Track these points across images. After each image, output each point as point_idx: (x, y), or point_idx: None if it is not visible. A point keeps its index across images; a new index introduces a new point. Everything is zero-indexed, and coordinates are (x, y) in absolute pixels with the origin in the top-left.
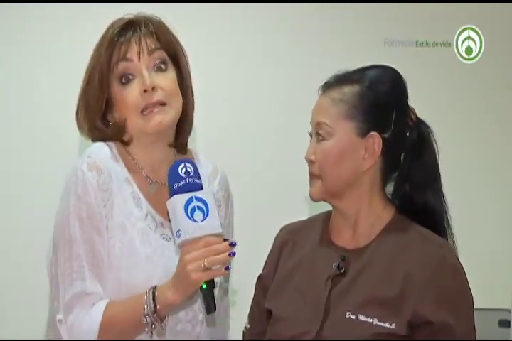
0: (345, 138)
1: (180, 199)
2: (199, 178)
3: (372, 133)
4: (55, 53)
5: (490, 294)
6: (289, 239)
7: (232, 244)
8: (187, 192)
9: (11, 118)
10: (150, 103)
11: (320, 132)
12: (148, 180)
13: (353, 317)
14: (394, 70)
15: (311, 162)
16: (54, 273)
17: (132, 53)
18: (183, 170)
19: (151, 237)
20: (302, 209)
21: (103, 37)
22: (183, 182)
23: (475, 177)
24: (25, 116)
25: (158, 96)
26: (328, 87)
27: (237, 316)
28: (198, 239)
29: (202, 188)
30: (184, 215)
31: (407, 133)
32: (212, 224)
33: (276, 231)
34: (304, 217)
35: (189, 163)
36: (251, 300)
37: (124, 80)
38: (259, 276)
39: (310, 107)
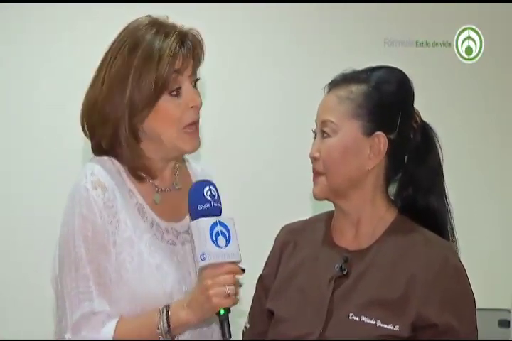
0: (350, 135)
1: (206, 222)
2: (220, 203)
3: (378, 133)
4: (55, 53)
5: (490, 294)
6: (290, 239)
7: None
8: (211, 215)
9: (11, 118)
10: (194, 121)
11: (325, 129)
12: (155, 188)
13: (356, 318)
14: (401, 72)
15: (315, 159)
16: (60, 292)
17: (188, 68)
18: (209, 192)
19: (158, 247)
20: (303, 209)
21: (153, 46)
22: (207, 205)
23: (475, 177)
24: (25, 116)
25: (198, 114)
26: (334, 85)
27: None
28: (219, 265)
29: (221, 214)
30: (209, 239)
31: (412, 136)
32: (233, 251)
33: (277, 231)
34: (305, 217)
35: (213, 185)
36: (251, 300)
37: (175, 93)
38: (260, 276)
39: (310, 107)
